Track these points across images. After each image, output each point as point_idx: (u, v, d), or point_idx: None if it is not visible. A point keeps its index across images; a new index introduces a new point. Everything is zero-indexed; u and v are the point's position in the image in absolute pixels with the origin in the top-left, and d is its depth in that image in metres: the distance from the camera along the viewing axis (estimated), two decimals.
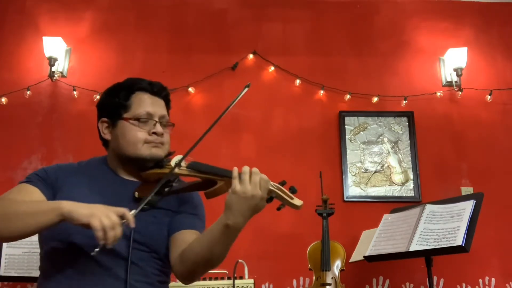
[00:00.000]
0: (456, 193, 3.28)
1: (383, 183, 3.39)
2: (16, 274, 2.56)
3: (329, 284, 2.74)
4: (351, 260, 2.94)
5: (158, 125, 1.50)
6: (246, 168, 1.29)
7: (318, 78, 3.55)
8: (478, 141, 3.49)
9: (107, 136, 1.52)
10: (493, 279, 3.22)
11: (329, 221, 2.91)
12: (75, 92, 3.43)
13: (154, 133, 1.48)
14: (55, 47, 3.41)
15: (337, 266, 2.82)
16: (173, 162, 1.46)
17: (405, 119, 3.52)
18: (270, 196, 1.31)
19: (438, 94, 3.55)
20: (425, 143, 3.47)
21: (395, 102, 3.55)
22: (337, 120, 3.51)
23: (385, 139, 3.48)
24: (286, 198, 1.30)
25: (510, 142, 3.50)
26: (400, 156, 3.45)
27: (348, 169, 3.40)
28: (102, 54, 3.57)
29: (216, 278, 2.57)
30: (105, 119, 1.53)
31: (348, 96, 3.54)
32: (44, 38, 3.44)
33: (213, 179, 1.38)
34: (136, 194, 1.45)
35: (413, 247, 2.35)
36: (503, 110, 3.57)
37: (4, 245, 2.59)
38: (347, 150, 3.44)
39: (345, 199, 3.33)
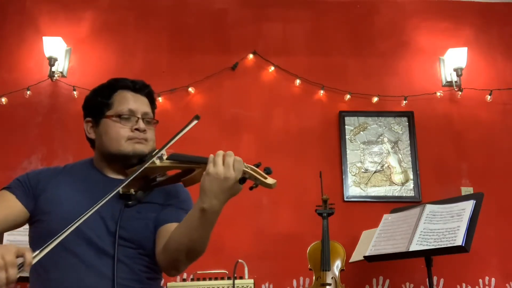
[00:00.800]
0: (456, 193, 3.28)
1: (383, 183, 3.39)
2: None
3: (329, 284, 2.74)
4: (351, 260, 2.94)
5: (140, 121, 1.50)
6: (220, 151, 1.29)
7: (318, 78, 3.55)
8: (478, 141, 3.49)
9: (92, 135, 1.53)
10: (493, 279, 3.22)
11: (329, 221, 2.91)
12: (75, 92, 3.43)
13: (136, 129, 1.48)
14: (55, 47, 3.41)
15: (337, 266, 2.82)
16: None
17: (405, 119, 3.52)
18: (243, 177, 1.28)
19: (438, 94, 3.55)
20: (425, 143, 3.47)
21: (395, 102, 3.55)
22: (337, 120, 3.51)
23: (385, 139, 3.48)
24: (259, 178, 1.28)
25: (510, 142, 3.50)
26: (400, 156, 3.45)
27: (348, 169, 3.40)
28: (102, 54, 3.57)
29: (216, 278, 2.57)
30: (89, 118, 1.55)
31: (348, 96, 3.54)
32: (44, 38, 3.44)
33: (192, 167, 1.38)
34: (121, 191, 1.43)
35: (413, 247, 2.35)
36: (503, 110, 3.57)
37: None
38: (347, 150, 3.44)
39: (345, 199, 3.33)
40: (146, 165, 1.39)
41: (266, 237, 3.22)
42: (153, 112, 1.60)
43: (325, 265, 2.78)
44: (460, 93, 3.54)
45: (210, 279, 2.57)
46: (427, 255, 2.42)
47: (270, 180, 1.28)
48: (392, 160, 3.44)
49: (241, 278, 2.59)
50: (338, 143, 3.46)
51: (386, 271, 3.20)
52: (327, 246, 2.82)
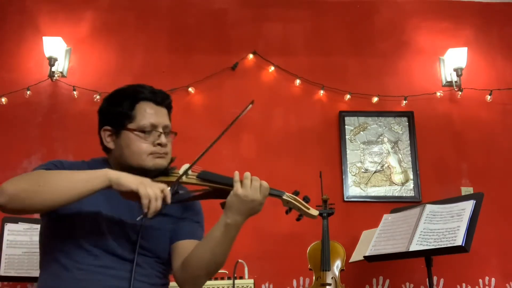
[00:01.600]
0: (456, 193, 3.27)
1: (383, 183, 3.39)
2: (16, 274, 2.56)
3: (329, 284, 2.74)
4: (351, 260, 2.94)
5: (162, 136, 1.50)
6: (247, 174, 1.40)
7: (318, 78, 3.55)
8: (478, 141, 3.49)
9: (110, 145, 1.51)
10: (493, 279, 3.22)
11: (329, 221, 2.91)
12: (75, 92, 3.43)
13: (158, 144, 1.48)
14: (55, 47, 3.41)
15: (337, 266, 2.82)
16: (181, 171, 1.46)
17: (405, 119, 3.52)
18: (289, 207, 1.43)
19: (438, 94, 3.55)
20: (425, 143, 3.47)
21: (395, 102, 3.55)
22: (337, 120, 3.51)
23: (385, 139, 3.48)
24: (303, 209, 1.42)
25: (510, 142, 3.50)
26: (400, 156, 3.45)
27: (348, 169, 3.40)
28: (102, 54, 3.57)
29: (216, 278, 2.57)
30: (108, 127, 1.51)
31: (348, 96, 3.54)
32: (44, 38, 3.44)
33: (226, 189, 1.42)
34: None
35: (413, 247, 2.35)
36: (503, 110, 3.57)
37: (4, 245, 2.59)
38: (347, 150, 3.44)
39: (345, 199, 3.33)
40: (180, 178, 1.42)
41: (266, 237, 3.22)
42: (170, 121, 1.60)
43: (325, 265, 2.78)
44: (460, 93, 3.54)
45: (210, 279, 2.57)
46: (427, 255, 2.42)
47: (313, 211, 1.43)
48: (392, 160, 3.44)
49: (241, 278, 2.59)
50: (338, 143, 3.46)
51: (386, 271, 3.20)
52: (327, 246, 2.83)
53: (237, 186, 1.38)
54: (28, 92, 3.39)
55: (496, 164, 3.44)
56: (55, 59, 3.40)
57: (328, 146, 3.46)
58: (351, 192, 3.36)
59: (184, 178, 1.44)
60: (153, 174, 1.46)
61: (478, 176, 3.41)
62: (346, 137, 3.47)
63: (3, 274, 2.55)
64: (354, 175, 3.40)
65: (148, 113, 1.50)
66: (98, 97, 3.41)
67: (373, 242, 2.58)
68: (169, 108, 1.59)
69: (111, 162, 1.55)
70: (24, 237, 2.59)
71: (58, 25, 3.59)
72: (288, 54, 3.63)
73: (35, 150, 3.34)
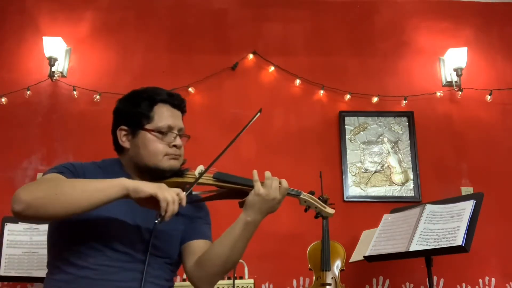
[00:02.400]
0: (456, 193, 3.27)
1: (383, 183, 3.39)
2: (16, 274, 2.55)
3: (329, 284, 2.74)
4: (351, 260, 2.94)
5: (178, 138, 1.53)
6: (268, 174, 1.47)
7: (318, 78, 3.55)
8: (478, 141, 3.49)
9: (126, 144, 1.53)
10: (493, 279, 3.22)
11: (329, 221, 2.91)
12: (75, 92, 3.43)
13: (174, 145, 1.51)
14: (55, 47, 3.41)
15: (337, 266, 2.82)
16: (196, 172, 1.49)
17: (405, 119, 3.52)
18: (307, 206, 1.51)
19: (438, 94, 3.55)
20: (425, 143, 3.47)
21: (395, 102, 3.55)
22: (337, 120, 3.51)
23: (385, 139, 3.49)
24: (319, 207, 1.49)
25: (510, 142, 3.50)
26: (400, 156, 3.45)
27: (348, 169, 3.40)
28: (102, 54, 3.57)
29: None
30: (124, 127, 1.53)
31: (348, 96, 3.54)
32: (44, 38, 3.44)
33: (244, 190, 1.47)
34: None
35: (413, 247, 2.35)
36: (503, 110, 3.57)
37: (4, 245, 2.59)
38: (347, 150, 3.44)
39: (345, 199, 3.33)
40: (197, 181, 1.46)
41: (266, 237, 3.21)
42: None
43: (325, 265, 2.78)
44: (460, 93, 3.54)
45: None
46: (427, 255, 2.42)
47: (330, 210, 1.51)
48: (392, 160, 3.44)
49: (241, 278, 2.59)
50: (338, 143, 3.46)
51: (386, 271, 3.20)
52: (327, 246, 2.83)
53: (258, 186, 1.44)
54: (28, 92, 3.39)
55: (496, 164, 3.44)
56: (55, 59, 3.41)
57: (328, 146, 3.46)
58: (351, 192, 3.36)
59: (200, 179, 1.47)
60: (167, 175, 1.50)
61: (478, 176, 3.41)
62: (346, 137, 3.47)
63: (3, 274, 2.55)
64: (354, 175, 3.40)
65: (166, 115, 1.53)
66: (98, 97, 3.41)
67: (373, 242, 2.58)
68: (183, 111, 1.63)
69: (124, 162, 1.56)
70: (24, 237, 2.59)
71: (58, 25, 3.59)
72: (288, 54, 3.63)
73: (35, 150, 3.34)
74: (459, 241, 2.23)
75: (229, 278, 2.56)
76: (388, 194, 3.36)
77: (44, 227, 2.41)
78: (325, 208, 1.49)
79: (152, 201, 1.29)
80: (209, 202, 1.60)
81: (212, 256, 1.48)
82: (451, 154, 3.47)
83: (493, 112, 3.56)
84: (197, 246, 1.54)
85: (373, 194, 3.36)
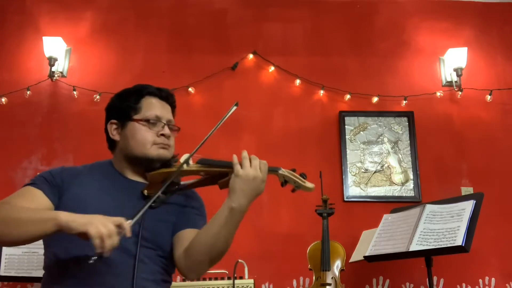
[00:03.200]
0: (456, 193, 3.27)
1: (383, 183, 3.39)
2: (16, 274, 2.55)
3: (329, 284, 2.74)
4: (351, 260, 2.94)
5: (166, 127, 1.56)
6: (245, 153, 1.42)
7: (318, 78, 3.55)
8: (478, 141, 3.49)
9: (116, 137, 1.56)
10: (493, 279, 3.22)
11: (329, 221, 2.91)
12: (75, 92, 3.43)
13: (162, 134, 1.54)
14: (55, 47, 3.41)
15: (337, 266, 2.82)
16: (181, 160, 1.50)
17: (405, 119, 3.52)
18: (284, 180, 1.43)
19: (438, 94, 3.55)
20: (425, 143, 3.47)
21: (395, 102, 3.55)
22: (337, 120, 3.51)
23: (385, 139, 3.48)
24: (298, 181, 1.42)
25: (510, 142, 3.50)
26: (400, 156, 3.45)
27: (348, 169, 3.40)
28: (102, 54, 3.57)
29: (216, 278, 2.57)
30: (114, 121, 1.58)
31: (348, 96, 3.54)
32: (44, 38, 3.44)
33: (224, 172, 1.45)
34: (145, 192, 1.49)
35: (413, 247, 2.35)
36: (503, 110, 3.57)
37: None
38: (347, 150, 3.44)
39: (345, 199, 3.33)
40: (180, 169, 1.45)
41: (266, 237, 3.22)
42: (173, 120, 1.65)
43: (325, 265, 2.78)
44: (460, 93, 3.54)
45: (210, 279, 2.57)
46: (427, 255, 2.42)
47: (309, 184, 1.44)
48: (392, 160, 3.44)
49: (241, 278, 2.59)
50: (338, 143, 3.47)
51: (386, 271, 3.20)
52: (327, 246, 2.82)
53: (237, 168, 1.39)
54: (28, 92, 3.39)
55: (496, 164, 3.44)
56: (55, 59, 3.41)
57: (328, 146, 3.46)
58: (351, 192, 3.36)
59: (185, 167, 1.47)
60: (156, 165, 1.51)
61: (478, 176, 3.41)
62: (346, 137, 3.47)
63: (3, 274, 2.55)
64: (354, 175, 3.40)
65: (154, 106, 1.57)
66: (98, 97, 3.41)
67: (373, 242, 2.58)
68: (173, 106, 1.66)
69: (115, 158, 1.59)
70: None
71: (58, 25, 3.59)
72: (288, 54, 3.63)
73: (35, 150, 3.34)
74: (459, 241, 2.23)
75: (229, 278, 2.56)
76: (388, 194, 3.36)
77: None
78: (304, 182, 1.43)
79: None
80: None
81: (196, 245, 1.43)
82: (451, 154, 3.47)
83: (493, 112, 3.56)
84: (186, 235, 1.50)
85: (373, 194, 3.36)
